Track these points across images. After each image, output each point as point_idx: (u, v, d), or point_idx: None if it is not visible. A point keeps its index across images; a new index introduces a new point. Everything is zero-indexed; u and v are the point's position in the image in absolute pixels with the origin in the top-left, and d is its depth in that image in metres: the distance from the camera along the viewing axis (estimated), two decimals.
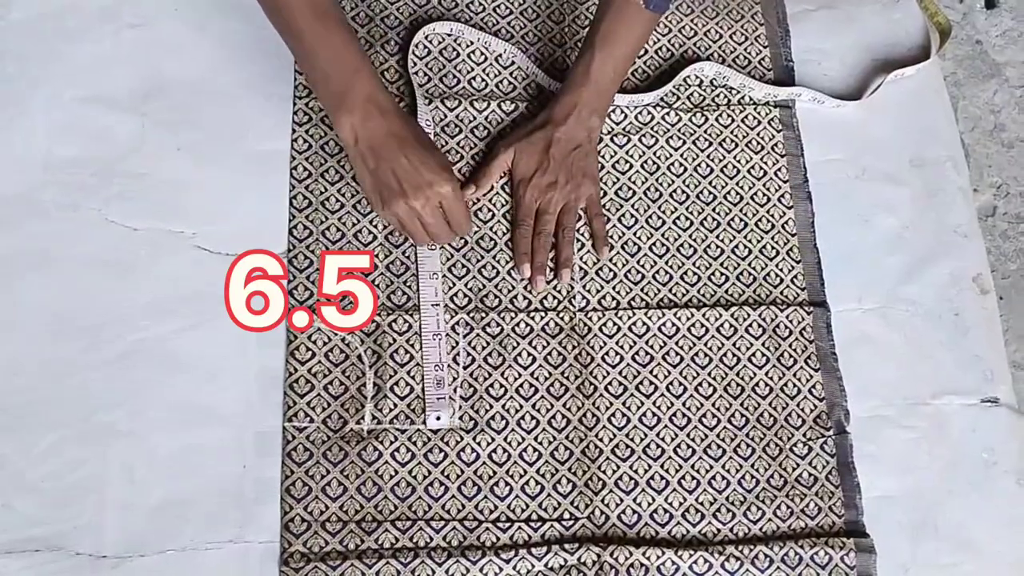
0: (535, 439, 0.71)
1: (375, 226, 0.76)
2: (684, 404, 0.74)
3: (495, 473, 0.70)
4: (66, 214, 0.72)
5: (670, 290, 0.78)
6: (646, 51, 0.86)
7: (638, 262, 0.78)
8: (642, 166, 0.81)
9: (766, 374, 0.76)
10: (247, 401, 0.69)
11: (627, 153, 0.82)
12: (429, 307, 0.73)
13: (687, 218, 0.81)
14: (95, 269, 0.71)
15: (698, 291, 0.78)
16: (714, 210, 0.81)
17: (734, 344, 0.77)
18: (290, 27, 0.68)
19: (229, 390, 0.70)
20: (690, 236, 0.80)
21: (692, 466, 0.72)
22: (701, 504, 0.71)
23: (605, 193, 0.80)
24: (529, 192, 0.76)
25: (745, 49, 0.88)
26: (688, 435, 0.73)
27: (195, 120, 0.77)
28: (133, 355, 0.69)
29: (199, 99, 0.77)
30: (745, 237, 0.81)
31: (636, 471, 0.72)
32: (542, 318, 0.75)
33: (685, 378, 0.75)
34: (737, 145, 0.84)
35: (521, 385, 0.73)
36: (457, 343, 0.73)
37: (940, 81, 0.91)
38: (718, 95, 0.86)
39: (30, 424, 0.67)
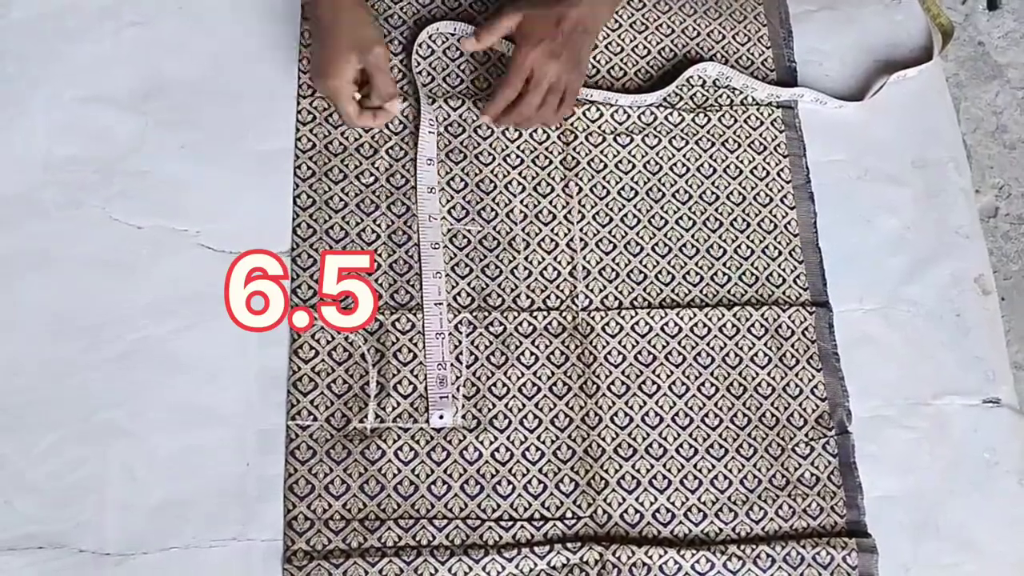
0: (538, 438, 0.71)
1: (379, 225, 0.76)
2: (686, 404, 0.74)
3: (498, 472, 0.70)
4: (67, 213, 0.72)
5: (672, 290, 0.78)
6: (648, 51, 0.87)
7: (640, 262, 0.78)
8: (645, 166, 0.81)
9: (768, 374, 0.76)
10: (248, 400, 0.69)
11: (630, 153, 0.82)
12: (432, 306, 0.73)
13: (690, 218, 0.81)
14: (96, 268, 0.71)
15: (700, 291, 0.78)
16: (717, 210, 0.81)
17: (736, 344, 0.77)
18: None
19: (230, 389, 0.69)
20: (692, 236, 0.80)
21: (694, 466, 0.73)
22: (703, 504, 0.72)
23: (607, 192, 0.80)
24: (530, 56, 0.75)
25: (748, 50, 0.89)
26: (690, 435, 0.73)
27: (197, 119, 0.77)
28: (134, 354, 0.69)
29: (201, 98, 0.77)
30: (748, 237, 0.81)
31: (638, 470, 0.72)
32: (545, 317, 0.75)
33: (687, 378, 0.75)
34: (740, 145, 0.84)
35: (524, 384, 0.73)
36: (460, 342, 0.73)
37: (942, 82, 0.92)
38: (721, 95, 0.86)
39: (30, 423, 0.67)
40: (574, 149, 0.81)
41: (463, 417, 0.71)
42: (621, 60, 0.86)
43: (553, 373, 0.74)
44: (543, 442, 0.71)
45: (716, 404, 0.75)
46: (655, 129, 0.83)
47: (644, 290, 0.78)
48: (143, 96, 0.77)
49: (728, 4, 0.90)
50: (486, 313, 0.74)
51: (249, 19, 0.81)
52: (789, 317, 0.78)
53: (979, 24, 1.07)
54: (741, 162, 0.84)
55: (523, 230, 0.78)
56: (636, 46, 0.86)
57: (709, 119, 0.84)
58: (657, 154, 0.82)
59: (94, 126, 0.75)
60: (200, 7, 0.80)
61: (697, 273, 0.79)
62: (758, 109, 0.86)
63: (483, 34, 0.78)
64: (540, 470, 0.71)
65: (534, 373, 0.73)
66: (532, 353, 0.74)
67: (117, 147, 0.75)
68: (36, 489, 0.65)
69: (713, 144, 0.84)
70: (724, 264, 0.80)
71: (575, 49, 0.77)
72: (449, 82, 0.82)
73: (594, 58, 0.85)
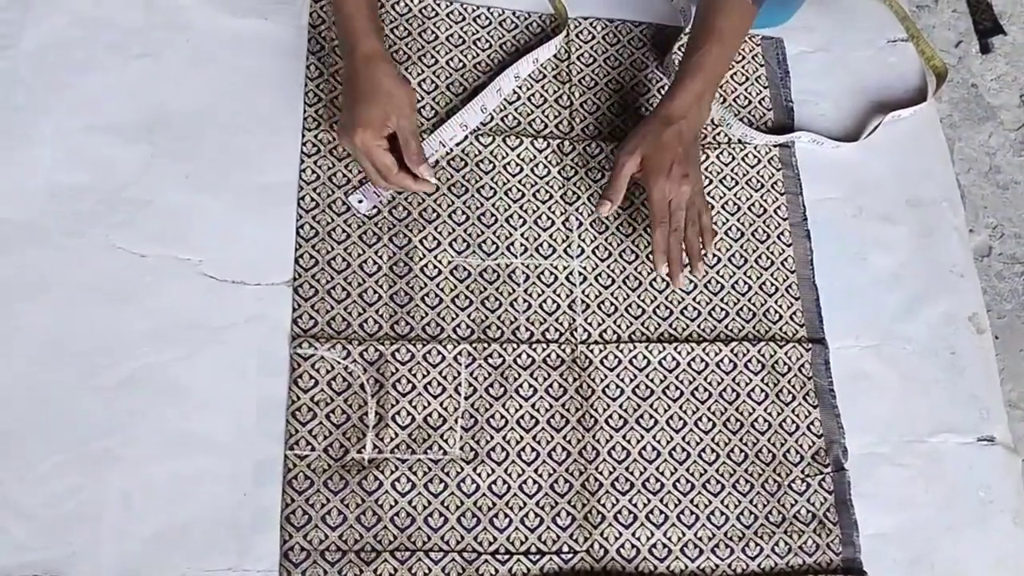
0: (535, 471, 0.72)
1: (380, 256, 0.76)
2: (684, 438, 0.75)
3: (495, 504, 0.70)
4: (71, 241, 0.73)
5: (670, 324, 0.79)
6: (648, 89, 0.88)
7: (639, 296, 0.79)
8: (643, 203, 0.82)
9: (765, 410, 0.77)
10: (246, 429, 0.69)
11: (629, 191, 0.82)
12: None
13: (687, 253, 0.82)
14: (96, 296, 0.71)
15: (698, 326, 0.79)
16: (715, 246, 0.82)
17: (733, 379, 0.77)
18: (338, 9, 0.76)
19: (228, 418, 0.70)
20: (690, 271, 0.81)
21: (691, 501, 0.73)
22: (700, 539, 0.72)
23: (606, 227, 0.81)
24: (666, 186, 0.75)
25: (746, 89, 0.90)
26: (687, 470, 0.74)
27: (201, 149, 0.77)
28: (133, 382, 0.69)
29: (206, 129, 0.78)
30: (745, 273, 0.82)
31: (635, 505, 0.72)
32: (543, 350, 0.76)
33: (685, 412, 0.75)
34: (738, 183, 0.85)
35: (522, 416, 0.73)
36: (459, 373, 0.73)
37: (936, 123, 0.93)
38: (719, 133, 0.87)
39: (27, 449, 0.66)
40: (574, 184, 0.82)
41: (461, 448, 0.71)
42: (621, 98, 0.87)
43: (551, 406, 0.74)
44: (540, 475, 0.72)
45: (713, 439, 0.75)
46: None
47: (642, 324, 0.78)
48: (148, 126, 0.77)
49: None
50: (485, 345, 0.75)
51: (255, 53, 0.82)
52: (786, 353, 0.79)
53: (972, 67, 1.09)
54: (739, 199, 0.85)
55: (523, 263, 0.79)
56: (637, 83, 0.88)
57: (707, 156, 0.86)
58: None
59: (99, 155, 0.76)
60: (206, 40, 0.81)
61: (695, 308, 0.80)
62: (756, 147, 0.87)
63: (612, 193, 0.76)
64: (537, 503, 0.71)
65: (532, 405, 0.74)
66: (531, 385, 0.74)
67: (122, 176, 0.75)
68: (32, 516, 0.65)
69: (711, 181, 0.85)
70: (722, 299, 0.80)
71: (695, 158, 0.78)
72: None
73: (596, 98, 0.87)
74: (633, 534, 0.71)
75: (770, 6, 0.90)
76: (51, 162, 0.75)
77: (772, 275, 0.82)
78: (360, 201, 0.77)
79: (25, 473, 0.66)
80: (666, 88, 0.81)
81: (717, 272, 0.81)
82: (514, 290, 0.77)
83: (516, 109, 0.85)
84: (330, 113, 0.81)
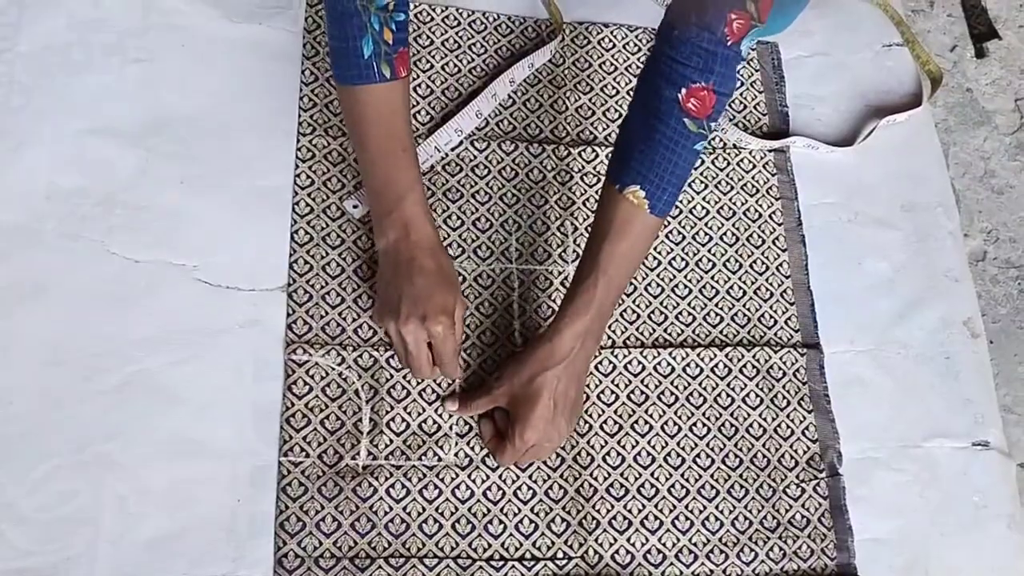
0: (529, 477, 0.72)
1: (375, 262, 0.76)
2: (678, 444, 0.75)
3: (489, 511, 0.70)
4: (67, 244, 0.73)
5: (665, 330, 0.79)
6: None
7: (633, 302, 0.79)
8: None
9: (760, 415, 0.77)
10: (242, 435, 0.69)
11: None
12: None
13: (682, 259, 0.82)
14: (93, 300, 0.71)
15: (693, 331, 0.79)
16: (709, 251, 0.82)
17: (728, 384, 0.77)
18: (358, 137, 0.70)
19: (224, 423, 0.70)
20: (685, 276, 0.81)
21: (686, 506, 0.73)
22: (694, 545, 0.72)
23: None
24: (524, 438, 0.68)
25: (741, 94, 0.90)
26: (682, 475, 0.74)
27: (198, 154, 0.77)
28: (128, 387, 0.69)
29: (202, 134, 0.78)
30: (740, 278, 0.82)
31: (630, 511, 0.72)
32: None
33: (679, 418, 0.76)
34: (733, 188, 0.85)
35: None
36: (454, 380, 0.73)
37: (931, 128, 0.93)
38: (713, 138, 0.87)
39: (23, 454, 0.66)
40: (569, 189, 0.82)
41: (455, 455, 0.71)
42: (616, 103, 0.87)
43: None
44: (535, 481, 0.72)
45: (708, 444, 0.75)
46: None
47: (637, 329, 0.78)
48: (145, 131, 0.77)
49: None
50: (480, 350, 0.75)
51: (251, 57, 0.82)
52: (781, 358, 0.79)
53: (967, 71, 1.10)
54: (734, 204, 0.85)
55: (518, 268, 0.79)
56: (632, 88, 0.88)
57: (702, 161, 0.86)
58: None
59: (96, 159, 0.76)
60: (202, 45, 0.81)
61: (690, 313, 0.80)
62: (751, 152, 0.87)
63: (468, 405, 0.72)
64: (532, 509, 0.71)
65: None
66: None
67: (118, 180, 0.75)
68: (28, 520, 0.65)
69: (706, 186, 0.85)
70: (716, 305, 0.81)
71: (569, 405, 0.69)
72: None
73: (591, 103, 0.87)
74: (628, 540, 0.71)
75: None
76: (47, 165, 0.75)
77: (767, 280, 0.82)
78: (355, 206, 0.77)
79: (21, 478, 0.66)
80: (552, 317, 0.71)
81: (712, 277, 0.81)
82: (509, 295, 0.77)
83: (511, 114, 0.85)
84: (325, 118, 0.81)
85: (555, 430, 0.68)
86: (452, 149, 0.82)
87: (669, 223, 0.83)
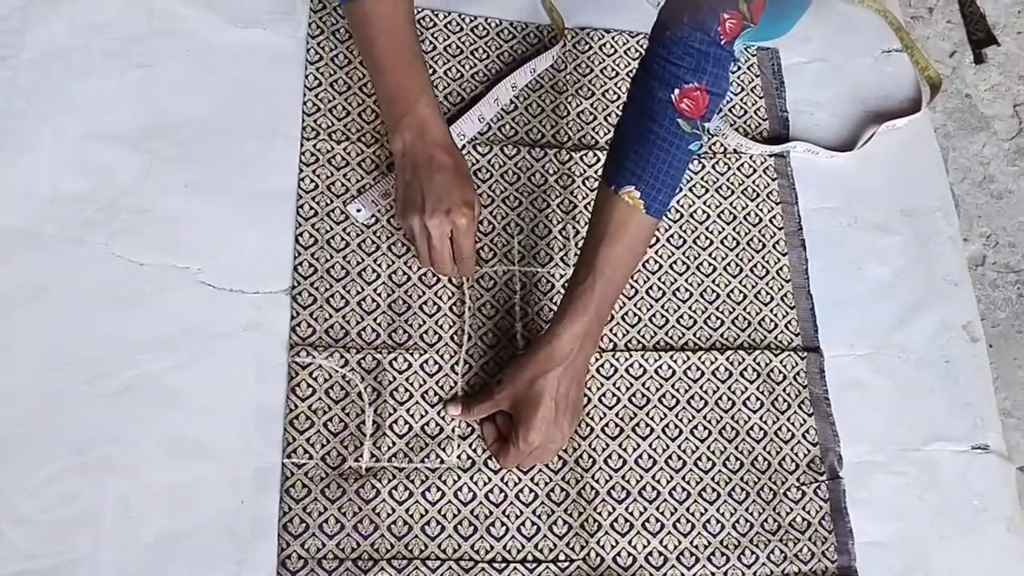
0: (531, 480, 0.72)
1: (379, 265, 0.77)
2: (679, 447, 0.75)
3: (491, 513, 0.70)
4: (70, 248, 0.73)
5: (666, 333, 0.79)
6: None
7: (635, 305, 0.80)
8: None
9: (760, 418, 0.77)
10: (245, 437, 0.70)
11: None
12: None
13: (683, 262, 0.82)
14: (96, 303, 0.71)
15: (694, 334, 0.80)
16: (710, 255, 0.83)
17: (729, 388, 0.78)
18: (367, 49, 0.74)
19: (227, 426, 0.70)
20: (686, 280, 0.81)
21: (687, 509, 0.73)
22: (696, 548, 0.72)
23: None
24: (528, 441, 0.68)
25: (741, 99, 0.91)
26: (683, 478, 0.74)
27: (201, 158, 0.78)
28: (132, 389, 0.69)
29: (206, 138, 0.79)
30: (740, 282, 0.82)
31: (632, 513, 0.72)
32: None
33: (680, 421, 0.76)
34: (733, 192, 0.86)
35: None
36: (456, 382, 0.74)
37: (930, 133, 0.94)
38: (714, 143, 0.88)
39: (26, 456, 0.67)
40: (571, 193, 0.83)
41: (458, 457, 0.72)
42: (617, 108, 0.88)
43: None
44: (536, 483, 0.72)
45: (709, 447, 0.75)
46: None
47: (638, 332, 0.79)
48: (148, 134, 0.78)
49: None
50: (482, 353, 0.75)
51: (254, 61, 0.82)
52: (781, 362, 0.79)
53: (966, 77, 1.10)
54: (734, 208, 0.85)
55: (520, 271, 0.79)
56: None
57: (703, 166, 0.86)
58: None
59: (99, 163, 0.76)
60: (206, 49, 0.82)
61: (691, 317, 0.80)
62: (751, 157, 0.88)
63: (471, 409, 0.72)
64: (533, 512, 0.71)
65: None
66: None
67: (121, 184, 0.76)
68: (30, 522, 0.65)
69: (707, 190, 0.85)
70: (717, 308, 0.81)
71: (571, 405, 0.69)
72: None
73: (592, 108, 0.87)
74: (629, 542, 0.71)
75: (765, 22, 0.90)
76: (50, 169, 0.75)
77: (767, 284, 0.83)
78: (359, 210, 0.78)
79: (24, 480, 0.66)
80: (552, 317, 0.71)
81: (712, 281, 0.82)
82: (511, 297, 0.78)
83: (513, 119, 0.85)
84: (329, 122, 0.81)
85: (557, 431, 0.69)
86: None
87: (670, 227, 0.83)
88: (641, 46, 0.91)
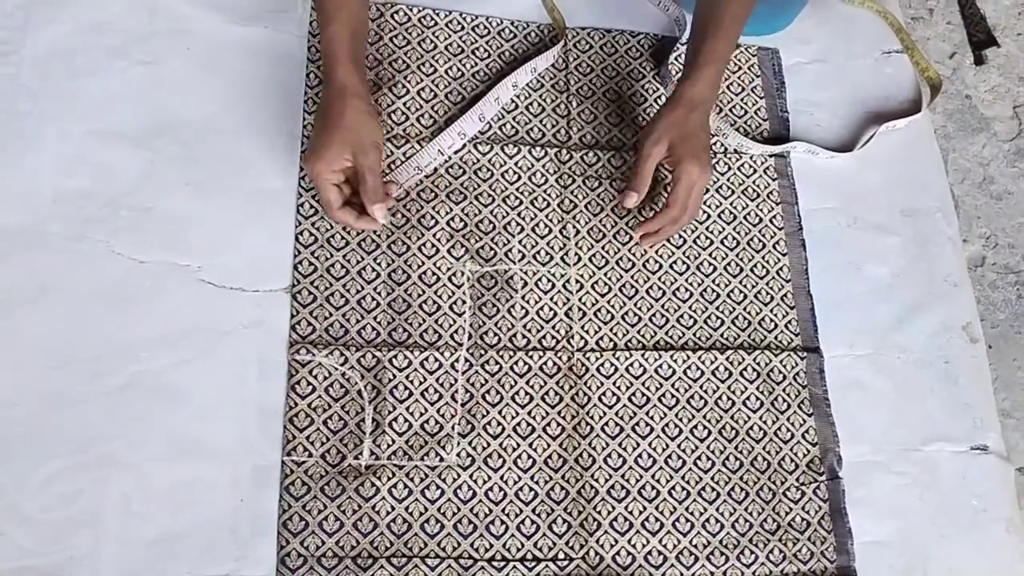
0: (531, 478, 0.72)
1: (379, 263, 0.77)
2: (679, 446, 0.75)
3: (491, 512, 0.70)
4: (72, 246, 0.73)
5: (666, 332, 0.79)
6: (645, 99, 0.89)
7: (635, 304, 0.80)
8: (639, 211, 0.83)
9: (760, 418, 0.77)
10: (245, 435, 0.70)
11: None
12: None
13: (684, 262, 0.82)
14: (97, 301, 0.72)
15: (694, 334, 0.80)
16: (711, 255, 0.83)
17: (729, 387, 0.78)
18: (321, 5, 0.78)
19: (227, 423, 0.70)
20: (686, 280, 0.81)
21: (686, 508, 0.73)
22: (695, 547, 0.72)
23: (603, 235, 0.82)
24: (691, 174, 0.75)
25: (742, 99, 0.91)
26: (683, 477, 0.74)
27: (202, 156, 0.78)
28: (133, 387, 0.70)
29: (207, 136, 0.79)
30: (740, 282, 0.82)
31: (631, 512, 0.72)
32: (540, 357, 0.76)
33: (680, 420, 0.76)
34: (733, 192, 0.86)
35: (518, 424, 0.73)
36: (456, 380, 0.74)
37: (930, 134, 0.94)
38: (714, 143, 0.88)
39: (28, 455, 0.67)
40: (571, 192, 0.83)
41: (458, 455, 0.72)
42: (618, 107, 0.88)
43: (547, 413, 0.74)
44: (536, 482, 0.72)
45: (708, 447, 0.75)
46: None
47: (638, 332, 0.79)
48: (150, 133, 0.78)
49: None
50: (482, 351, 0.75)
51: (255, 60, 0.82)
52: (781, 362, 0.79)
53: (966, 78, 1.10)
54: (735, 208, 0.85)
55: (521, 270, 0.79)
56: (634, 93, 0.89)
57: None
58: (652, 199, 0.84)
59: (101, 162, 0.76)
60: (207, 48, 0.82)
61: (691, 316, 0.80)
62: (751, 157, 0.88)
63: (638, 183, 0.77)
64: (533, 510, 0.71)
65: (529, 413, 0.74)
66: (527, 392, 0.75)
67: (123, 182, 0.76)
68: (32, 521, 0.65)
69: (707, 190, 0.85)
70: (717, 308, 0.81)
71: (707, 136, 0.78)
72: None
73: (593, 107, 0.87)
74: (629, 541, 0.71)
75: (768, 13, 0.91)
76: (53, 168, 0.75)
77: (767, 284, 0.83)
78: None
79: (26, 478, 0.66)
80: (680, 75, 0.81)
81: (713, 281, 0.82)
82: (511, 296, 0.78)
83: (514, 118, 0.85)
84: None
85: (706, 167, 0.76)
86: (455, 152, 0.82)
87: None
88: (642, 45, 0.91)
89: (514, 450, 0.73)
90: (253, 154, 0.79)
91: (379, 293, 0.76)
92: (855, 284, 0.84)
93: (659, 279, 0.81)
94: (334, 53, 0.75)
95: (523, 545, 0.70)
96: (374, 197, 0.74)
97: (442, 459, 0.71)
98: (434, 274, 0.77)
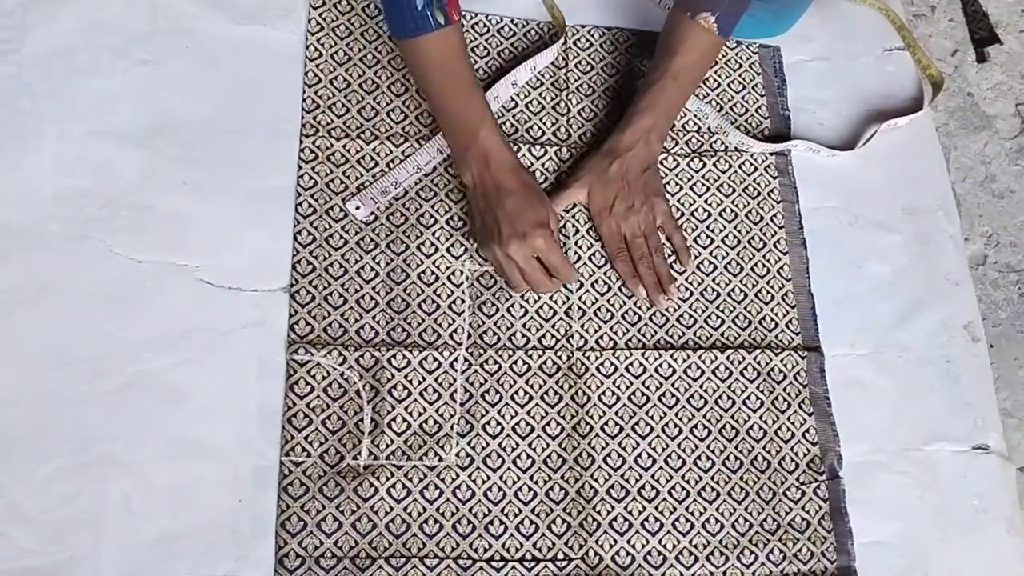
0: (530, 478, 0.72)
1: (377, 263, 0.77)
2: (679, 446, 0.75)
3: (490, 512, 0.70)
4: (71, 246, 0.73)
5: (667, 332, 0.79)
6: None
7: (635, 303, 0.79)
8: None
9: (760, 417, 0.77)
10: (244, 435, 0.70)
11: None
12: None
13: None
14: (97, 301, 0.72)
15: (694, 333, 0.79)
16: (711, 254, 0.83)
17: (729, 387, 0.78)
18: (424, 83, 0.77)
19: (227, 424, 0.70)
20: (686, 279, 0.81)
21: (686, 508, 0.73)
22: (695, 547, 0.72)
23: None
24: (611, 221, 0.78)
25: (743, 97, 0.91)
26: (683, 477, 0.74)
27: (201, 156, 0.78)
28: (132, 387, 0.70)
29: (206, 135, 0.79)
30: (741, 281, 0.82)
31: (631, 512, 0.72)
32: (539, 356, 0.76)
33: (680, 420, 0.76)
34: (734, 191, 0.86)
35: (517, 423, 0.73)
36: (455, 380, 0.74)
37: (932, 132, 0.94)
38: (715, 141, 0.88)
39: (28, 455, 0.67)
40: None
41: (457, 455, 0.72)
42: (618, 106, 0.87)
43: (547, 412, 0.74)
44: (536, 482, 0.72)
45: (708, 447, 0.75)
46: None
47: (638, 331, 0.79)
48: (150, 133, 0.78)
49: (724, 53, 0.92)
50: (482, 351, 0.75)
51: (254, 60, 0.82)
52: (781, 361, 0.79)
53: (968, 76, 1.10)
54: (735, 207, 0.85)
55: None
56: (633, 91, 0.88)
57: (704, 164, 0.86)
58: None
59: (101, 161, 0.76)
60: (207, 47, 0.82)
61: (691, 315, 0.80)
62: (752, 155, 0.87)
63: (554, 202, 0.79)
64: (532, 510, 0.71)
65: (528, 412, 0.74)
66: (526, 392, 0.74)
67: (122, 182, 0.76)
68: (32, 521, 0.65)
69: (708, 189, 0.85)
70: (718, 307, 0.81)
71: (646, 191, 0.79)
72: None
73: (593, 105, 0.87)
74: (628, 541, 0.71)
75: (769, 17, 0.90)
76: (53, 167, 0.75)
77: (768, 283, 0.83)
78: (357, 208, 0.78)
79: (25, 478, 0.66)
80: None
81: (713, 280, 0.82)
82: (511, 296, 0.78)
83: (514, 116, 0.85)
84: (328, 119, 0.81)
85: (632, 213, 0.78)
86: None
87: None
88: (641, 43, 0.91)
89: (513, 450, 0.72)
90: (252, 154, 0.79)
91: (378, 292, 0.76)
92: (856, 283, 0.84)
93: None
94: (479, 123, 0.74)
95: (522, 545, 0.70)
96: (567, 274, 0.76)
97: (441, 459, 0.71)
98: (433, 273, 0.77)
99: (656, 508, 0.72)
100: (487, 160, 0.74)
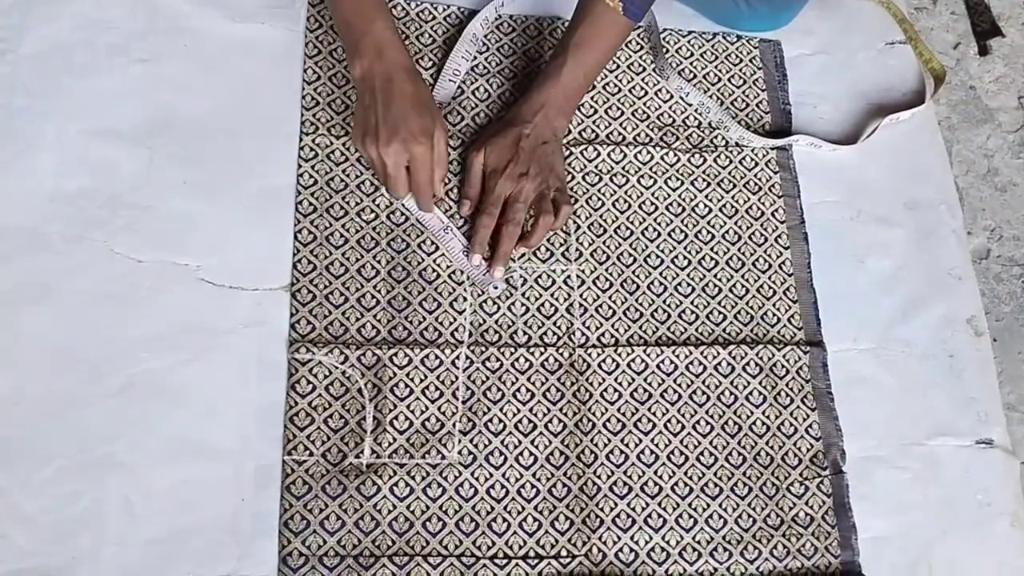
0: (533, 475, 0.72)
1: (378, 261, 0.77)
2: (682, 442, 0.75)
3: (493, 509, 0.70)
4: (71, 246, 0.73)
5: (668, 328, 0.79)
6: (645, 92, 0.88)
7: (637, 300, 0.79)
8: (641, 206, 0.83)
9: (763, 413, 0.77)
10: (246, 434, 0.70)
11: (626, 193, 0.83)
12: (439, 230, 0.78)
13: (685, 257, 0.82)
14: (97, 301, 0.71)
15: (696, 329, 0.79)
16: (712, 249, 0.82)
17: (731, 382, 0.77)
18: None
19: (229, 423, 0.70)
20: (688, 275, 0.81)
21: (690, 504, 0.73)
22: (698, 543, 0.72)
23: (604, 230, 0.81)
24: (502, 182, 0.77)
25: (744, 92, 0.90)
26: (686, 473, 0.74)
27: (201, 155, 0.78)
28: (133, 387, 0.69)
29: (206, 134, 0.78)
30: (743, 276, 0.82)
31: (634, 509, 0.72)
32: (541, 354, 0.76)
33: (683, 416, 0.76)
34: (735, 186, 0.85)
35: (520, 421, 0.73)
36: (457, 378, 0.74)
37: (934, 125, 0.93)
38: (716, 136, 0.87)
39: (29, 455, 0.66)
40: (570, 188, 0.82)
41: (459, 452, 0.71)
42: (619, 101, 0.87)
43: (549, 410, 0.74)
44: (538, 479, 0.72)
45: (711, 442, 0.75)
46: (651, 169, 0.84)
47: (640, 327, 0.78)
48: (149, 132, 0.78)
49: (724, 47, 0.92)
50: (483, 348, 0.75)
51: (253, 57, 0.82)
52: (784, 356, 0.79)
53: (970, 69, 1.10)
54: (736, 202, 0.85)
55: (521, 267, 0.79)
56: (634, 87, 0.88)
57: (705, 159, 0.86)
58: (653, 194, 0.83)
59: (100, 160, 0.76)
60: (206, 45, 0.82)
61: (692, 311, 0.80)
62: (753, 150, 0.87)
63: (469, 191, 0.78)
64: (535, 507, 0.71)
65: (530, 410, 0.74)
66: (528, 389, 0.74)
67: (122, 181, 0.76)
68: (33, 522, 0.65)
69: (708, 184, 0.85)
70: (719, 303, 0.81)
71: (542, 161, 0.77)
72: (451, 119, 0.83)
73: (593, 101, 0.87)
74: (631, 538, 0.71)
75: (768, 11, 0.90)
76: (51, 167, 0.75)
77: (770, 278, 0.82)
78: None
79: (26, 479, 0.66)
80: None
81: (715, 275, 0.81)
82: (512, 294, 0.78)
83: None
84: (328, 116, 0.81)
85: (526, 180, 0.76)
86: (454, 149, 0.82)
87: (671, 221, 0.83)
88: (642, 39, 0.90)
89: (515, 447, 0.72)
90: (252, 152, 0.78)
91: (379, 291, 0.75)
92: (858, 277, 0.84)
93: (660, 274, 0.80)
94: (374, 16, 0.73)
95: (525, 542, 0.70)
96: (425, 192, 0.75)
97: (443, 457, 0.71)
98: (434, 271, 0.77)
99: (659, 504, 0.72)
100: (380, 52, 0.72)
